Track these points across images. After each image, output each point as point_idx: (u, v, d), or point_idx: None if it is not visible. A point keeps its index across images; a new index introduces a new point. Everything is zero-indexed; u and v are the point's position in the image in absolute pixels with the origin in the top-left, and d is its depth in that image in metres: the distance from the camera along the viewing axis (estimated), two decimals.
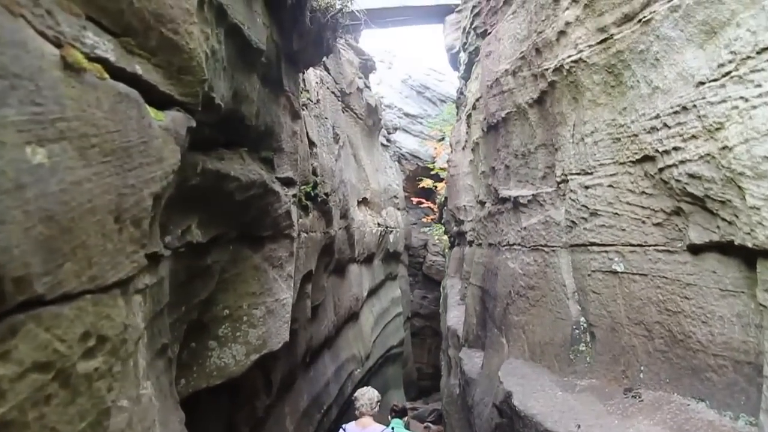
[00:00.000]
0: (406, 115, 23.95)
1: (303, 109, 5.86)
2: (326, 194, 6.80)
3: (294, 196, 4.57)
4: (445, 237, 17.44)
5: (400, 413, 7.91)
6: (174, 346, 3.03)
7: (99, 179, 1.50)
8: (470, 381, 4.75)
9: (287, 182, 4.43)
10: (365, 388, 6.24)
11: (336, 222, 7.55)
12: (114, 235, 1.56)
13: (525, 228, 4.11)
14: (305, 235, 5.76)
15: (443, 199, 13.42)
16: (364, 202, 10.89)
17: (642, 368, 2.99)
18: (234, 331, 3.80)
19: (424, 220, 22.83)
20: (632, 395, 2.95)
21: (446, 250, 17.13)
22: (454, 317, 7.01)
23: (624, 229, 3.11)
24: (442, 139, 20.54)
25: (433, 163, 20.74)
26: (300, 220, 5.58)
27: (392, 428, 6.23)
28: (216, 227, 3.36)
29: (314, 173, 6.19)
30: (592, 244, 3.34)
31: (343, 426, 6.01)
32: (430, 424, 17.15)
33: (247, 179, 3.51)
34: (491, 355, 4.44)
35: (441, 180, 18.51)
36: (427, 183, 19.68)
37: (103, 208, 1.51)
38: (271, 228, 4.14)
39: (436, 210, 18.98)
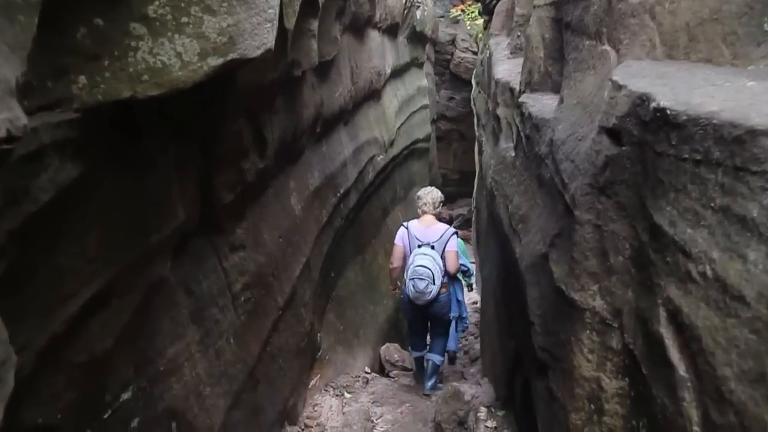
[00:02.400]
0: None
1: None
2: None
3: None
4: (480, 21, 15.41)
5: (448, 222, 7.63)
6: None
7: None
8: (541, 124, 3.31)
9: None
10: (428, 188, 6.33)
11: None
12: None
13: None
14: None
15: None
16: None
17: None
18: (177, 15, 2.30)
19: (453, 10, 20.62)
20: None
21: (479, 36, 15.15)
22: (504, 71, 5.45)
23: None
24: None
25: None
26: None
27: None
28: None
29: None
30: None
31: (405, 223, 6.02)
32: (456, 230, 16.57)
33: None
34: (579, 79, 2.96)
35: None
36: None
37: None
38: None
39: None
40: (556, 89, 3.64)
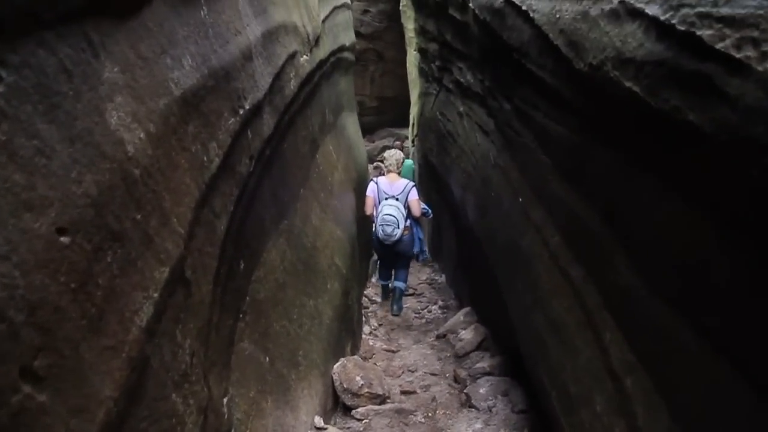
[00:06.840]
0: None
1: None
2: None
3: None
4: None
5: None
6: None
7: None
8: None
9: None
10: (392, 150, 7.68)
11: None
12: None
13: None
14: None
15: None
16: None
17: None
18: None
19: None
20: None
21: None
22: None
23: None
24: None
25: None
26: None
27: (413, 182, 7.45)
28: None
29: None
30: None
31: (374, 179, 7.49)
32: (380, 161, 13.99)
33: None
34: None
35: None
36: None
37: None
38: None
39: None
40: None
